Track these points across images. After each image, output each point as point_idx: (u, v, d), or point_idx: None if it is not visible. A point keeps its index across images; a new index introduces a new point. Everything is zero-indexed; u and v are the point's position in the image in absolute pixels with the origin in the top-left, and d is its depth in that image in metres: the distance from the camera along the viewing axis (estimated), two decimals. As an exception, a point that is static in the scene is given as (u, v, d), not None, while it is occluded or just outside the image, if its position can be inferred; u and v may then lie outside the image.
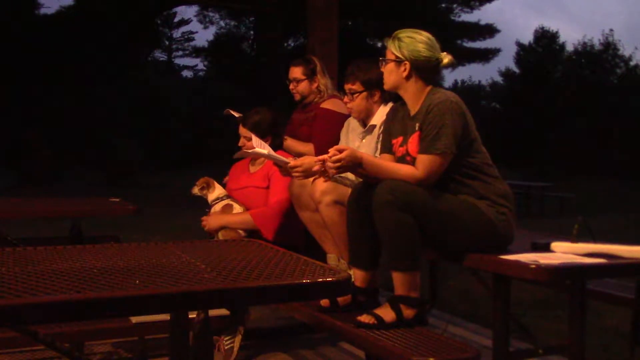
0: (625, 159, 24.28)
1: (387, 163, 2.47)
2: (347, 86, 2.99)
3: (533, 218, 10.98)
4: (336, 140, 3.20)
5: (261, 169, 3.36)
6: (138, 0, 17.51)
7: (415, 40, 2.47)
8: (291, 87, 3.57)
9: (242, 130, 3.34)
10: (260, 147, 2.88)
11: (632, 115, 25.61)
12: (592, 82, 28.61)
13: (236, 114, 3.51)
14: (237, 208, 3.30)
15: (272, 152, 2.86)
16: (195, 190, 3.43)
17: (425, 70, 2.48)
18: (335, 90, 3.59)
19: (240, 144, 3.34)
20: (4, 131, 18.32)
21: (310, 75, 3.53)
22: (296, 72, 3.54)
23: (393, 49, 2.49)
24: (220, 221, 3.25)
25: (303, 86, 3.54)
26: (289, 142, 3.44)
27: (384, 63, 2.55)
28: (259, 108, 3.41)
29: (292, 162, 2.72)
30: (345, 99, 3.04)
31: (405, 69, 2.47)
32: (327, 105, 3.47)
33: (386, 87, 2.60)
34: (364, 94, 2.96)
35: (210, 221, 3.28)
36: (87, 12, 17.10)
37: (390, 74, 2.53)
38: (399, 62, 2.48)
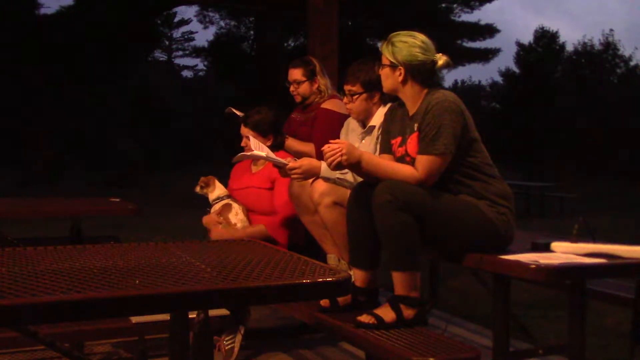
0: (626, 159, 24.28)
1: (387, 162, 2.47)
2: (347, 87, 2.98)
3: (533, 218, 10.98)
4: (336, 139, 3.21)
5: (263, 169, 3.36)
6: (138, 0, 17.50)
7: (409, 45, 2.46)
8: (292, 89, 3.56)
9: (244, 130, 3.34)
10: (259, 148, 2.88)
11: (632, 115, 25.61)
12: (592, 82, 28.62)
13: (238, 113, 3.50)
14: (235, 207, 3.31)
15: (271, 154, 2.86)
16: (197, 188, 3.45)
17: (420, 74, 2.47)
18: (335, 90, 3.59)
19: (242, 144, 3.34)
20: (4, 131, 18.33)
21: (311, 76, 3.52)
22: (296, 74, 3.53)
23: (387, 54, 2.49)
24: (234, 235, 3.22)
25: (304, 88, 3.53)
26: (290, 142, 3.44)
27: (379, 67, 2.55)
28: (259, 107, 3.41)
29: (291, 163, 2.72)
30: (345, 100, 3.03)
31: (400, 74, 2.47)
32: (327, 105, 3.47)
33: (384, 90, 2.61)
34: (364, 95, 2.95)
35: (217, 234, 3.27)
36: (87, 12, 17.10)
37: (387, 79, 2.53)
38: (393, 67, 2.48)
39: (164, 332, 1.93)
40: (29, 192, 12.67)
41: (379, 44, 2.60)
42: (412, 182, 2.33)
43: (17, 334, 1.81)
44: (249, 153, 2.96)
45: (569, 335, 2.22)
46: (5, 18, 16.11)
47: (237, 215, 3.30)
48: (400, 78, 2.47)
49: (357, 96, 2.95)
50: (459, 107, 2.38)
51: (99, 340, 2.87)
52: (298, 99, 3.58)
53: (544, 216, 11.54)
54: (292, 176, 2.73)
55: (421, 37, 2.49)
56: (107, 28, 16.35)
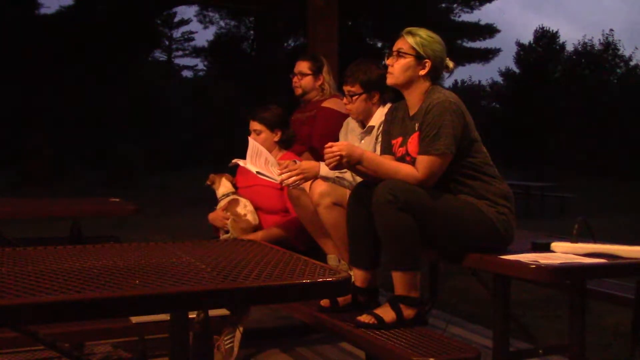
0: (626, 159, 24.29)
1: (387, 161, 2.47)
2: (346, 88, 2.98)
3: (533, 218, 10.98)
4: (336, 140, 3.21)
5: None
6: (138, 0, 17.52)
7: (435, 40, 2.46)
8: (294, 80, 3.59)
9: (252, 124, 3.35)
10: (255, 159, 2.89)
11: (632, 115, 25.61)
12: (592, 82, 28.63)
13: (242, 163, 3.40)
14: (243, 200, 3.32)
15: (270, 158, 2.88)
16: (208, 182, 3.51)
17: (437, 72, 2.48)
18: (337, 90, 3.60)
19: (251, 138, 3.36)
20: (4, 131, 18.33)
21: (316, 72, 3.55)
22: (302, 66, 3.56)
23: (414, 44, 2.44)
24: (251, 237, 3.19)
25: (306, 81, 3.55)
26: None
27: (400, 56, 2.46)
28: (268, 104, 3.43)
29: (288, 167, 2.74)
30: (344, 100, 3.03)
31: (424, 67, 2.45)
32: (328, 104, 3.48)
33: (394, 81, 2.49)
34: (363, 96, 2.94)
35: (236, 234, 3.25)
36: (87, 12, 17.11)
37: (407, 70, 2.46)
38: (419, 58, 2.44)
39: (164, 332, 1.93)
40: (29, 192, 12.66)
41: (380, 44, 2.60)
42: (412, 182, 2.32)
43: (17, 334, 1.81)
44: (241, 162, 2.98)
45: (569, 335, 2.22)
46: (5, 18, 16.11)
47: (245, 207, 3.31)
48: (424, 72, 2.45)
49: (356, 97, 2.95)
50: (459, 108, 2.38)
51: (99, 340, 2.87)
52: (298, 91, 3.60)
53: (544, 216, 11.54)
54: (294, 181, 2.75)
55: (438, 36, 2.50)
56: (107, 28, 16.35)
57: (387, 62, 2.51)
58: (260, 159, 2.92)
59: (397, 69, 2.47)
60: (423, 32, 2.47)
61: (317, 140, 3.39)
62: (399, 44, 2.48)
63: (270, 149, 3.32)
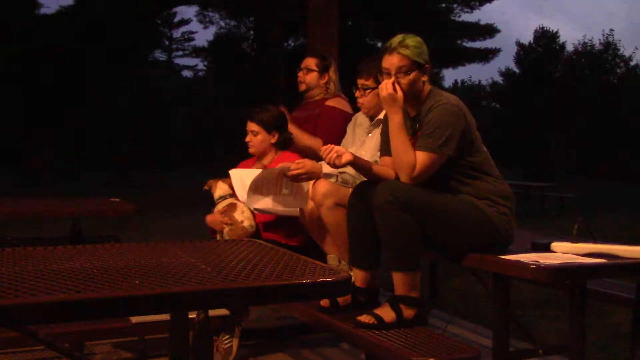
0: (626, 159, 24.30)
1: (376, 168, 2.52)
2: (361, 81, 2.99)
3: (533, 218, 10.97)
4: (340, 138, 3.24)
5: (269, 167, 3.36)
6: (138, 0, 17.52)
7: (421, 42, 2.46)
8: (300, 75, 3.61)
9: (250, 125, 3.35)
10: (259, 186, 2.92)
11: (631, 115, 25.62)
12: (592, 82, 28.65)
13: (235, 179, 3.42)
14: (241, 205, 3.30)
15: (265, 206, 2.96)
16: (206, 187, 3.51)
17: (431, 69, 2.49)
18: (340, 91, 3.62)
19: (247, 139, 3.35)
20: (4, 131, 18.34)
21: (322, 70, 3.56)
22: (310, 62, 3.58)
23: (413, 56, 2.40)
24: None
25: (312, 77, 3.56)
26: (296, 132, 3.41)
27: (406, 74, 2.40)
28: (266, 105, 3.43)
29: (293, 165, 2.75)
30: (357, 94, 3.05)
31: (426, 73, 2.44)
32: (332, 103, 3.50)
33: (409, 98, 2.44)
34: (377, 90, 2.96)
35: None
36: (87, 12, 17.13)
37: (417, 83, 2.42)
38: (421, 67, 2.42)
39: (164, 332, 1.93)
40: (29, 192, 12.66)
41: (380, 43, 2.60)
42: (405, 174, 2.34)
43: (17, 334, 1.81)
44: (234, 178, 3.05)
45: (569, 336, 2.22)
46: (5, 18, 16.12)
47: (243, 213, 3.29)
48: (426, 77, 2.45)
49: (369, 90, 2.97)
50: (461, 110, 2.38)
51: (99, 340, 2.87)
52: (302, 87, 3.61)
53: (544, 216, 11.53)
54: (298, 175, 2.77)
55: (417, 36, 2.49)
56: (107, 28, 16.36)
57: (400, 81, 2.41)
58: (270, 183, 2.93)
59: (406, 86, 2.42)
60: (411, 40, 2.42)
61: (320, 137, 3.40)
62: (398, 62, 2.40)
63: (266, 151, 3.32)
